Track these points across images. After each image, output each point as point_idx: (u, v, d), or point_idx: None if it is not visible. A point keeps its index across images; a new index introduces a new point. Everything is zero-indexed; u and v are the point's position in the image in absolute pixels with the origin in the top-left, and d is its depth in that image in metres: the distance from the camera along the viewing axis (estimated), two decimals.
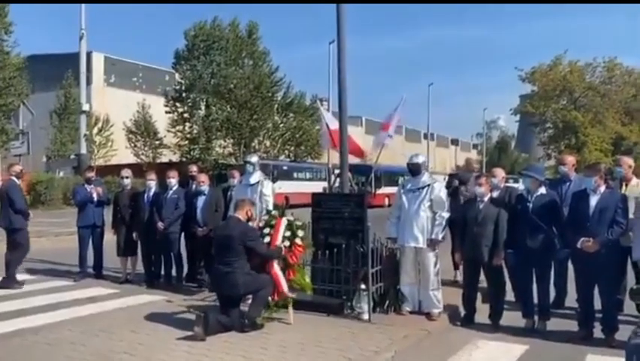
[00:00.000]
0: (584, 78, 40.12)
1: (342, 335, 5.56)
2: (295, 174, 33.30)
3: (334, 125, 8.27)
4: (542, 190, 5.97)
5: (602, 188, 5.57)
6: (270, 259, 5.87)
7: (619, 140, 41.06)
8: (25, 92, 27.37)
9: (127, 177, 8.76)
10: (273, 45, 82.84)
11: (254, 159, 7.84)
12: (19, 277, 8.12)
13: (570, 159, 7.13)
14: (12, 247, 8.06)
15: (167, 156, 37.68)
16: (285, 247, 5.96)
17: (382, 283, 6.44)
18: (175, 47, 38.11)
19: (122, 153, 36.64)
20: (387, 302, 6.45)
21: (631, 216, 5.54)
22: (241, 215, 5.93)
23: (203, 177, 8.14)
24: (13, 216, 7.92)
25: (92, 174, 9.12)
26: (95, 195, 8.70)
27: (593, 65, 40.12)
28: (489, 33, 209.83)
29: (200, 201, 7.84)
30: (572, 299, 6.29)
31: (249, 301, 5.83)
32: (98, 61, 44.41)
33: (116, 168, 16.75)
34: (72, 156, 29.24)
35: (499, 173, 7.32)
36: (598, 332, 5.58)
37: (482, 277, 6.27)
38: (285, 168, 33.10)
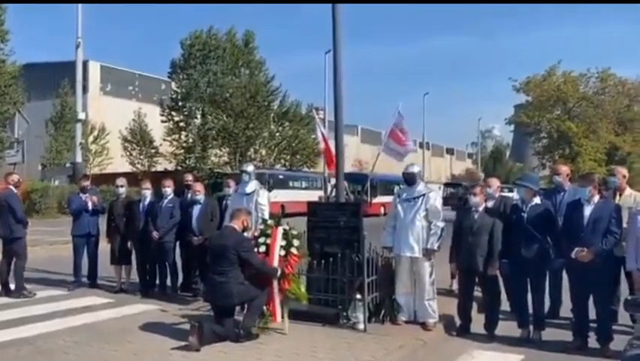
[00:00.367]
0: (578, 89, 40.32)
1: (338, 345, 5.54)
2: (291, 183, 33.32)
3: (328, 143, 8.32)
4: (537, 200, 5.99)
5: (596, 198, 5.61)
6: (264, 274, 5.84)
7: (612, 150, 41.24)
8: (21, 101, 27.44)
9: (122, 186, 8.77)
10: (269, 54, 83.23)
11: (250, 168, 7.86)
12: (13, 286, 8.07)
13: (564, 169, 7.14)
14: (9, 256, 8.07)
15: (162, 165, 37.69)
16: (280, 256, 5.93)
17: (378, 293, 6.42)
18: (171, 56, 38.34)
19: (118, 162, 36.62)
20: (382, 312, 6.42)
21: (625, 226, 5.58)
22: (237, 225, 5.92)
23: (199, 186, 8.13)
24: (14, 226, 7.96)
25: (87, 183, 9.13)
26: (90, 204, 8.69)
27: (587, 75, 40.35)
28: (484, 43, 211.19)
29: (196, 210, 7.84)
30: (566, 309, 6.30)
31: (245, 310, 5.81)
32: (94, 69, 44.58)
33: (112, 177, 16.67)
34: (67, 165, 29.14)
35: (494, 183, 7.36)
36: (593, 341, 5.60)
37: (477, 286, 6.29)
38: (280, 176, 33.09)
